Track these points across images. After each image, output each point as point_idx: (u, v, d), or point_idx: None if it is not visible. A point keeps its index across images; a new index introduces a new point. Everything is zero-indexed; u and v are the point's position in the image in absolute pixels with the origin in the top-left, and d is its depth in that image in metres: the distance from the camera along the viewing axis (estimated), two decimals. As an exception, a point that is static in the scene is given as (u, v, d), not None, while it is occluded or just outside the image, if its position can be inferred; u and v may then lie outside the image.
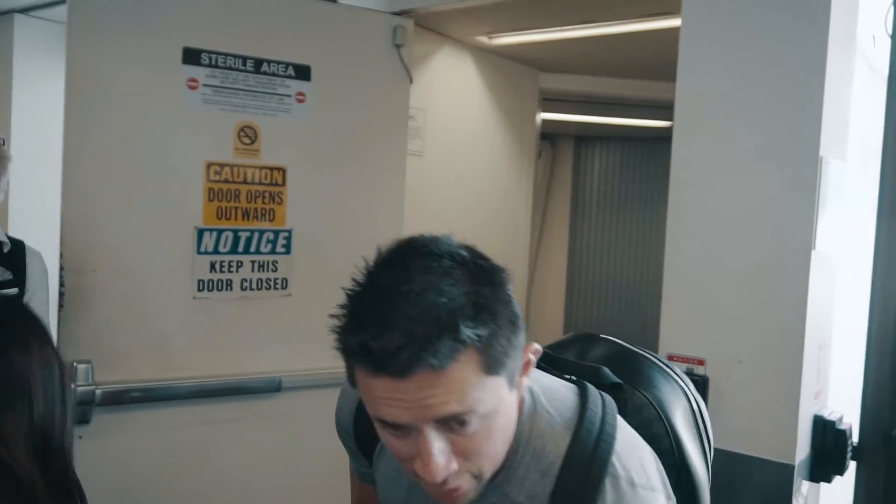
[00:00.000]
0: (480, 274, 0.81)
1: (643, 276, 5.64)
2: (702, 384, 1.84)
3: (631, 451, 0.88)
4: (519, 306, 0.85)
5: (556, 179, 5.56)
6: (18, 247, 2.03)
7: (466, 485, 0.83)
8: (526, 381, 0.88)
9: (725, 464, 1.82)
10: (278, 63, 2.48)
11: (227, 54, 2.38)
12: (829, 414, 1.91)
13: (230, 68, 2.40)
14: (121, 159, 2.26)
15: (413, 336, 0.74)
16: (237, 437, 2.49)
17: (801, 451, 1.81)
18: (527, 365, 0.86)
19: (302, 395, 2.53)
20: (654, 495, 0.86)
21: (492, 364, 0.78)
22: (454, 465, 0.80)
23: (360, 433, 1.05)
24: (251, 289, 2.47)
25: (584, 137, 5.63)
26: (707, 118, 1.91)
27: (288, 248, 2.52)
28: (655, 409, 0.99)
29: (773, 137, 1.83)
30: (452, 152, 3.44)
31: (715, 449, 1.64)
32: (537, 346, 0.89)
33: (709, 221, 1.88)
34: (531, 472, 0.88)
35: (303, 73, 2.52)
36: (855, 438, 1.91)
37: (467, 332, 0.76)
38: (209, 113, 2.38)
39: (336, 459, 2.69)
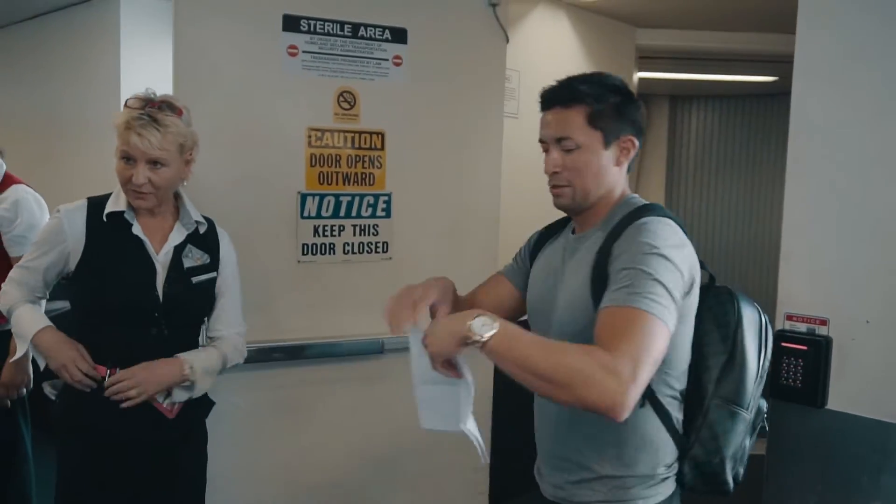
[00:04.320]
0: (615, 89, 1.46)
1: (744, 240, 5.43)
2: (824, 345, 1.75)
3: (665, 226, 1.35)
4: (639, 114, 1.48)
5: (650, 142, 5.39)
6: (211, 226, 1.88)
7: (566, 190, 1.46)
8: (625, 165, 1.47)
9: (851, 428, 1.73)
10: (375, 27, 2.48)
11: (325, 20, 2.40)
12: (965, 377, 1.78)
13: (328, 34, 2.41)
14: (227, 127, 2.31)
15: (557, 89, 1.46)
16: (340, 398, 2.55)
17: (936, 415, 1.70)
18: (625, 150, 1.45)
19: (404, 357, 2.53)
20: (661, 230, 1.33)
21: (593, 120, 1.41)
22: (559, 168, 1.44)
23: (538, 240, 1.67)
24: (353, 252, 2.50)
25: (680, 97, 5.43)
26: (831, 65, 1.79)
27: (388, 212, 2.54)
28: (731, 293, 1.45)
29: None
30: (548, 114, 3.37)
31: (840, 413, 1.56)
32: (636, 141, 1.46)
33: (833, 173, 1.77)
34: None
35: (399, 35, 2.52)
36: None
37: (581, 92, 1.42)
38: (309, 79, 2.40)
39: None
